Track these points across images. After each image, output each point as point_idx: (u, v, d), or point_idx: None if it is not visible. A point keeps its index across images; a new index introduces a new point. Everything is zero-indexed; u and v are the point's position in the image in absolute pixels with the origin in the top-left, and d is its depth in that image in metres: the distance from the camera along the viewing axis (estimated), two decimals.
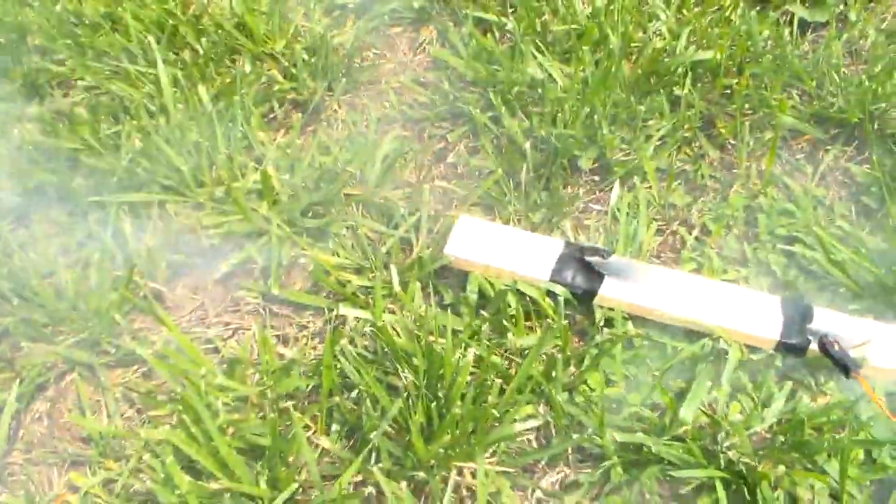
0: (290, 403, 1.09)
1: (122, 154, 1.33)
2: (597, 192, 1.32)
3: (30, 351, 1.21)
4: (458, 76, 1.44)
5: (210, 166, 1.32)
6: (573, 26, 1.41)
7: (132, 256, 1.27)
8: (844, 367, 1.09)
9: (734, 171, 1.33)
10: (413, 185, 1.31)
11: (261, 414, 1.10)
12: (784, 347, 1.12)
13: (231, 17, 1.47)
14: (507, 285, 1.15)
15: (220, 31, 1.46)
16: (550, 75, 1.36)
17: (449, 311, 1.17)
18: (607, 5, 1.44)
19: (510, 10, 1.52)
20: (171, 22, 1.46)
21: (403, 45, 1.52)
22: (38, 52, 1.49)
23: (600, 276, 1.15)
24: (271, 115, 1.43)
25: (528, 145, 1.28)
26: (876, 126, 1.35)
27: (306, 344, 1.18)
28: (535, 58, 1.38)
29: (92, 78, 1.43)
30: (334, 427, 1.09)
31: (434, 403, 1.04)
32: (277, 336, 1.20)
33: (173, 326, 1.17)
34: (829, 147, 1.36)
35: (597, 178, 1.32)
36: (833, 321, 1.14)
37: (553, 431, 1.08)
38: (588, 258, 1.17)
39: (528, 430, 1.08)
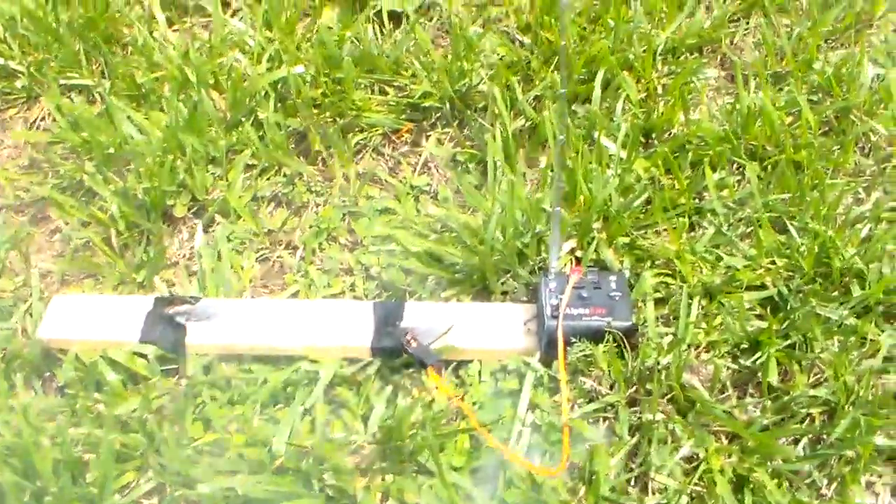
0: None
1: None
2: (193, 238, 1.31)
3: None
4: (69, 149, 1.41)
5: None
6: (160, 73, 1.40)
7: None
8: (421, 361, 1.09)
9: (331, 182, 1.32)
10: (20, 273, 1.29)
11: None
12: (379, 352, 1.12)
13: None
14: (100, 356, 1.13)
15: None
16: (141, 130, 1.35)
17: (59, 395, 1.15)
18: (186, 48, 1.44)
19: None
20: None
21: (18, 126, 1.49)
22: None
23: (182, 327, 1.14)
24: None
25: (113, 207, 1.26)
26: (465, 103, 1.37)
27: None
28: (129, 116, 1.36)
29: None
30: None
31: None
32: None
33: None
34: (428, 133, 1.36)
35: (196, 222, 1.30)
36: (426, 314, 1.14)
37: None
38: (172, 309, 1.16)
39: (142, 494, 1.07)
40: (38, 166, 1.42)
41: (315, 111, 1.37)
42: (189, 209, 1.30)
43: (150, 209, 1.27)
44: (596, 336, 1.09)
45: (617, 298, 1.11)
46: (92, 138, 1.34)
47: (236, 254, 1.25)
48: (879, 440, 1.02)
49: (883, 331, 1.11)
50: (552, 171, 1.20)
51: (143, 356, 1.13)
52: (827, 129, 1.34)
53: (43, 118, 1.48)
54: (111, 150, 1.33)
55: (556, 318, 1.09)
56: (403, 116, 1.37)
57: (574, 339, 1.08)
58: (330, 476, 1.02)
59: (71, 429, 1.08)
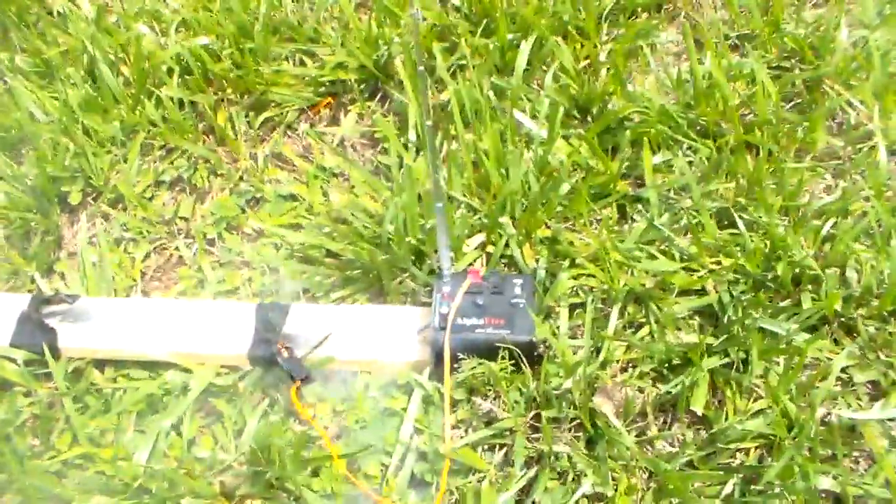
0: None
1: None
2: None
3: None
4: None
5: None
6: (63, 49, 1.30)
7: None
8: (290, 374, 0.98)
9: (237, 164, 1.21)
10: None
11: None
12: (257, 361, 1.01)
13: None
14: None
15: None
16: (44, 108, 1.25)
17: None
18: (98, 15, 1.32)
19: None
20: None
21: None
22: None
23: (52, 330, 1.05)
24: None
25: (1, 196, 1.17)
26: (386, 75, 1.23)
27: None
28: (31, 92, 1.27)
29: None
30: None
31: None
32: None
33: None
34: (349, 109, 1.23)
35: (90, 211, 1.21)
36: (311, 318, 1.03)
37: None
38: (47, 310, 1.07)
39: None
40: None
41: (224, 87, 1.25)
42: (86, 195, 1.21)
43: (43, 196, 1.19)
44: (490, 351, 0.95)
45: (520, 306, 0.97)
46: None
47: (132, 245, 1.16)
48: (824, 483, 0.86)
49: (842, 349, 0.94)
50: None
51: (13, 360, 1.05)
52: (795, 101, 1.15)
53: None
54: (12, 133, 1.25)
55: (443, 329, 0.96)
56: (323, 91, 1.24)
57: (462, 356, 0.95)
58: (189, 502, 0.93)
59: None
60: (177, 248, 1.15)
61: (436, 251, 1.01)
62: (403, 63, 1.18)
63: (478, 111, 1.13)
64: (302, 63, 1.26)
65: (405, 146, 1.13)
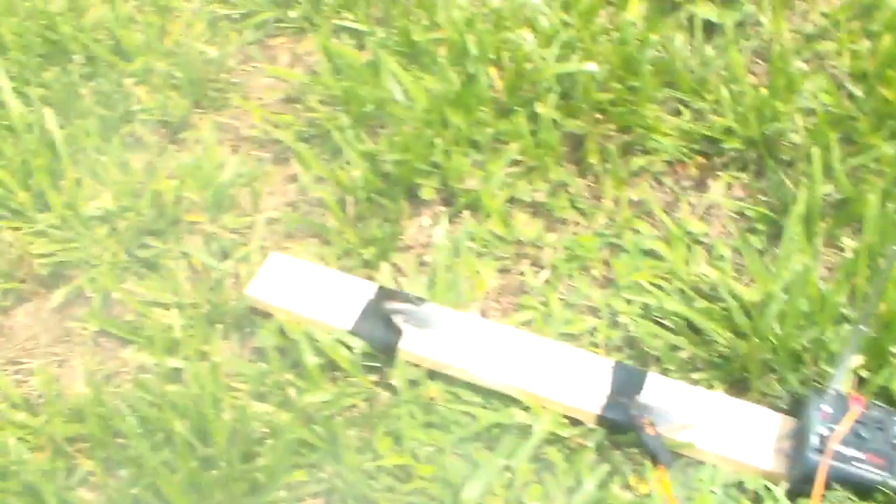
0: (79, 447, 1.03)
1: None
2: (440, 227, 1.17)
3: None
4: (322, 93, 1.32)
5: (56, 191, 1.27)
6: (436, 35, 1.27)
7: None
8: (653, 454, 0.93)
9: (599, 202, 1.16)
10: (253, 215, 1.22)
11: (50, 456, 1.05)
12: (606, 422, 0.97)
13: (106, 30, 1.42)
14: (303, 334, 1.04)
15: (94, 46, 1.40)
16: (408, 93, 1.23)
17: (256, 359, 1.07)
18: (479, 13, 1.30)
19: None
20: (48, 38, 1.42)
21: (284, 57, 1.41)
22: None
23: (399, 330, 1.03)
24: (132, 135, 1.34)
25: (357, 173, 1.16)
26: (769, 150, 1.16)
27: (105, 382, 1.11)
28: (394, 73, 1.25)
29: None
30: (122, 472, 1.00)
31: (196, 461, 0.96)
32: (99, 370, 1.13)
33: None
34: (718, 174, 1.17)
35: (442, 209, 1.18)
36: (668, 393, 0.98)
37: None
38: (393, 306, 1.05)
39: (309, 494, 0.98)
40: (291, 105, 1.35)
41: (599, 118, 1.21)
42: (437, 193, 1.18)
43: (395, 183, 1.17)
44: (864, 489, 0.89)
45: None
46: (352, 90, 1.25)
47: (476, 257, 1.13)
48: None
49: None
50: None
51: (349, 347, 1.04)
52: None
53: (309, 54, 1.41)
54: (369, 108, 1.23)
55: (821, 452, 0.90)
56: (695, 147, 1.19)
57: (835, 486, 0.89)
58: None
59: (256, 403, 1.01)
60: (522, 273, 1.12)
61: (818, 363, 0.96)
62: (802, 146, 1.12)
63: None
64: (677, 112, 1.21)
65: (791, 235, 1.07)
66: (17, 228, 1.26)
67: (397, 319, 1.04)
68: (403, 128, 1.17)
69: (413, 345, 1.02)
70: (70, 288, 1.20)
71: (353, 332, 1.04)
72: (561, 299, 1.08)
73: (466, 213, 1.16)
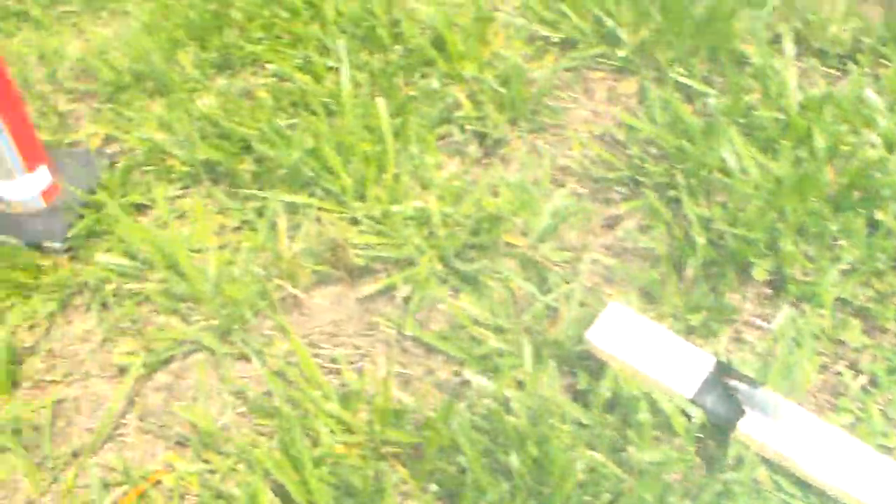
0: (393, 451, 1.07)
1: (293, 149, 1.33)
2: (764, 309, 1.20)
3: (164, 323, 1.24)
4: (648, 141, 1.35)
5: (376, 182, 1.30)
6: (779, 115, 1.30)
7: (280, 255, 1.27)
8: None
9: None
10: (574, 251, 1.25)
11: (363, 453, 1.08)
12: None
13: (429, 28, 1.43)
14: (642, 391, 1.08)
15: (415, 40, 1.42)
16: (743, 165, 1.26)
17: (577, 401, 1.11)
18: (821, 100, 1.31)
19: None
20: (369, 22, 1.44)
21: (601, 93, 1.44)
22: (237, 26, 1.50)
23: (741, 410, 1.06)
24: (449, 140, 1.38)
25: (701, 239, 1.19)
26: None
27: (427, 392, 1.15)
28: (732, 142, 1.27)
29: (280, 64, 1.42)
30: (432, 487, 1.06)
31: (535, 501, 0.99)
32: (401, 374, 1.17)
33: (297, 344, 1.17)
34: None
35: (768, 291, 1.21)
36: None
37: None
38: (733, 384, 1.08)
39: None
40: (613, 145, 1.37)
41: None
42: (769, 274, 1.21)
43: (729, 256, 1.20)
44: None
45: None
46: (686, 149, 1.27)
47: (803, 350, 1.16)
48: None
49: None
50: None
51: (688, 416, 1.08)
52: None
53: (629, 95, 1.43)
54: (703, 172, 1.26)
55: None
56: None
57: None
58: None
59: (589, 452, 1.04)
60: (840, 374, 1.14)
61: None
62: None
63: None
64: None
65: None
66: (330, 211, 1.29)
67: (737, 398, 1.07)
68: (743, 203, 1.20)
69: (750, 427, 1.06)
70: (381, 284, 1.24)
71: (694, 401, 1.08)
72: (880, 410, 1.12)
73: (792, 302, 1.19)
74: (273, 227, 1.30)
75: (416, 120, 1.33)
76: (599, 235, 1.28)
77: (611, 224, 1.29)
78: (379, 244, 1.26)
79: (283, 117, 1.39)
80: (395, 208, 1.26)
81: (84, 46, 1.63)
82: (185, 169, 1.38)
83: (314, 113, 1.38)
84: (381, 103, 1.32)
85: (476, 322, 1.18)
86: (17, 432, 1.18)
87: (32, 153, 1.34)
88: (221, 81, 1.47)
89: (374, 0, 1.46)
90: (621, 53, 1.42)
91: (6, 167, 1.32)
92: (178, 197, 1.39)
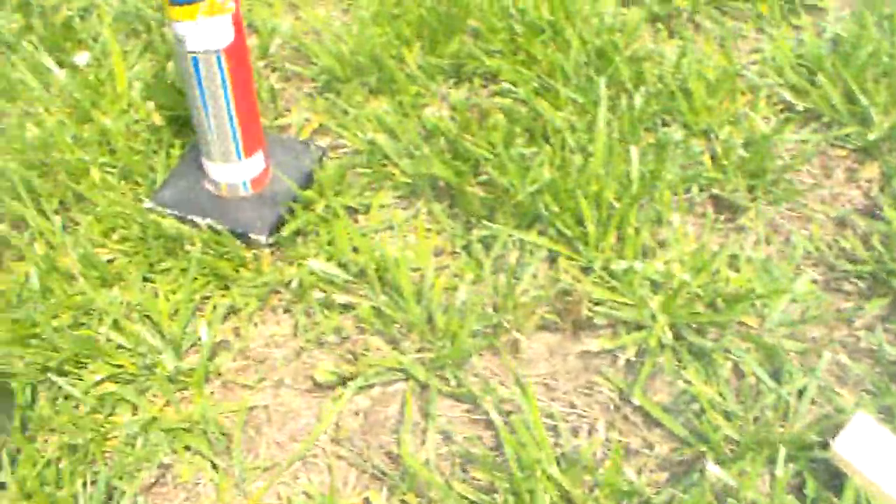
0: None
1: (528, 180, 1.26)
2: None
3: (370, 343, 1.19)
4: (893, 235, 1.28)
5: (615, 232, 1.24)
6: None
7: (507, 294, 1.20)
8: None
9: None
10: (812, 343, 1.18)
11: None
12: None
13: (675, 73, 1.36)
14: None
15: (658, 85, 1.35)
16: None
17: None
18: None
19: None
20: (612, 56, 1.36)
21: (841, 173, 1.37)
22: (473, 34, 1.42)
23: None
24: (685, 197, 1.32)
25: None
26: None
27: (652, 471, 1.10)
28: None
29: (519, 85, 1.35)
30: None
31: None
32: (620, 442, 1.11)
33: (532, 399, 1.10)
34: None
35: None
36: None
37: None
38: None
39: None
40: (854, 234, 1.30)
41: None
42: None
43: None
44: None
45: None
46: None
47: None
48: None
49: None
50: None
51: None
52: None
53: (869, 181, 1.36)
54: None
55: None
56: None
57: None
58: None
59: None
60: None
61: None
62: None
63: None
64: None
65: None
66: (563, 255, 1.23)
67: None
68: None
69: None
70: (608, 343, 1.18)
71: None
72: None
73: None
74: (498, 260, 1.24)
75: (659, 172, 1.27)
76: (836, 329, 1.22)
77: (850, 319, 1.22)
78: (611, 300, 1.20)
79: (518, 143, 1.32)
80: (637, 265, 1.20)
81: (298, 25, 1.55)
82: (405, 180, 1.31)
83: (551, 143, 1.32)
84: (634, 152, 1.25)
85: (702, 402, 1.12)
86: (205, 433, 1.13)
87: (254, 137, 1.27)
88: (449, 90, 1.41)
89: (616, 35, 1.39)
90: (871, 136, 1.35)
91: (227, 149, 1.25)
92: (389, 205, 1.33)
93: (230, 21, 1.16)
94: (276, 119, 1.44)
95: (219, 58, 1.17)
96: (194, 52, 1.17)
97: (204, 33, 1.15)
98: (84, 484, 1.09)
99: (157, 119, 1.42)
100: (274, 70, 1.53)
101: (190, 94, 1.22)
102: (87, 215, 1.31)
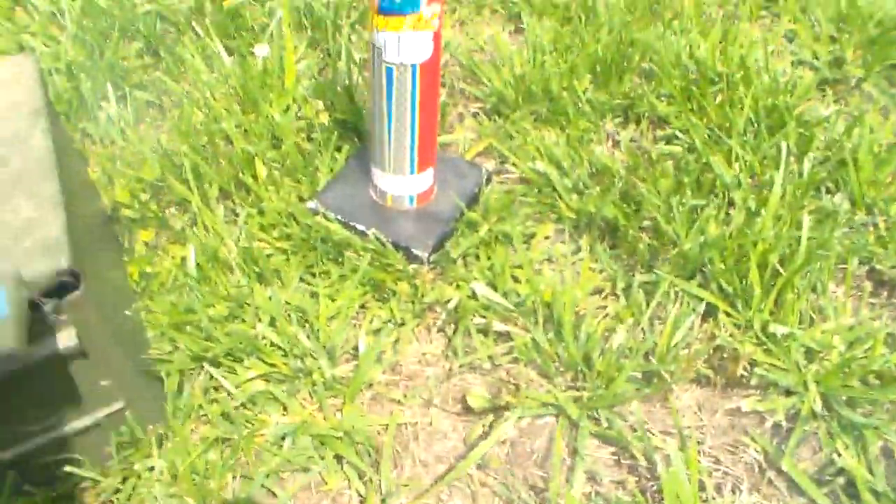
0: None
1: (694, 232, 1.26)
2: None
3: (532, 382, 1.19)
4: None
5: (777, 296, 1.24)
6: None
7: (664, 341, 1.20)
8: None
9: None
10: None
11: None
12: None
13: (845, 141, 1.36)
14: None
15: (827, 152, 1.35)
16: None
17: None
18: None
19: None
20: (785, 118, 1.36)
21: None
22: (643, 74, 1.42)
23: None
24: (843, 267, 1.32)
25: None
26: None
27: None
28: None
29: (692, 134, 1.35)
30: None
31: None
32: None
33: (693, 454, 1.08)
34: None
35: None
36: None
37: None
38: None
39: None
40: None
41: None
42: None
43: None
44: None
45: None
46: None
47: None
48: None
49: None
50: None
51: None
52: None
53: None
54: None
55: None
56: None
57: None
58: None
59: None
60: None
61: None
62: None
63: None
64: None
65: None
66: (722, 311, 1.23)
67: None
68: None
69: None
70: (759, 405, 1.18)
71: None
72: None
73: None
74: (657, 308, 1.24)
75: (829, 241, 1.27)
76: None
77: None
78: (766, 363, 1.20)
79: (685, 192, 1.32)
80: (798, 331, 1.20)
81: (467, 42, 1.55)
82: (570, 215, 1.31)
83: (716, 196, 1.32)
84: (805, 219, 1.25)
85: (866, 483, 1.12)
86: (354, 443, 1.13)
87: (429, 154, 1.28)
88: (617, 129, 1.41)
89: (788, 97, 1.39)
90: None
91: (401, 162, 1.26)
92: (550, 238, 1.33)
93: (431, 37, 1.16)
94: (440, 135, 1.44)
95: (414, 72, 1.18)
96: (391, 63, 1.17)
97: (405, 46, 1.15)
98: (234, 478, 1.10)
99: (325, 119, 1.42)
100: (442, 85, 1.53)
101: (377, 102, 1.23)
102: (249, 207, 1.32)
